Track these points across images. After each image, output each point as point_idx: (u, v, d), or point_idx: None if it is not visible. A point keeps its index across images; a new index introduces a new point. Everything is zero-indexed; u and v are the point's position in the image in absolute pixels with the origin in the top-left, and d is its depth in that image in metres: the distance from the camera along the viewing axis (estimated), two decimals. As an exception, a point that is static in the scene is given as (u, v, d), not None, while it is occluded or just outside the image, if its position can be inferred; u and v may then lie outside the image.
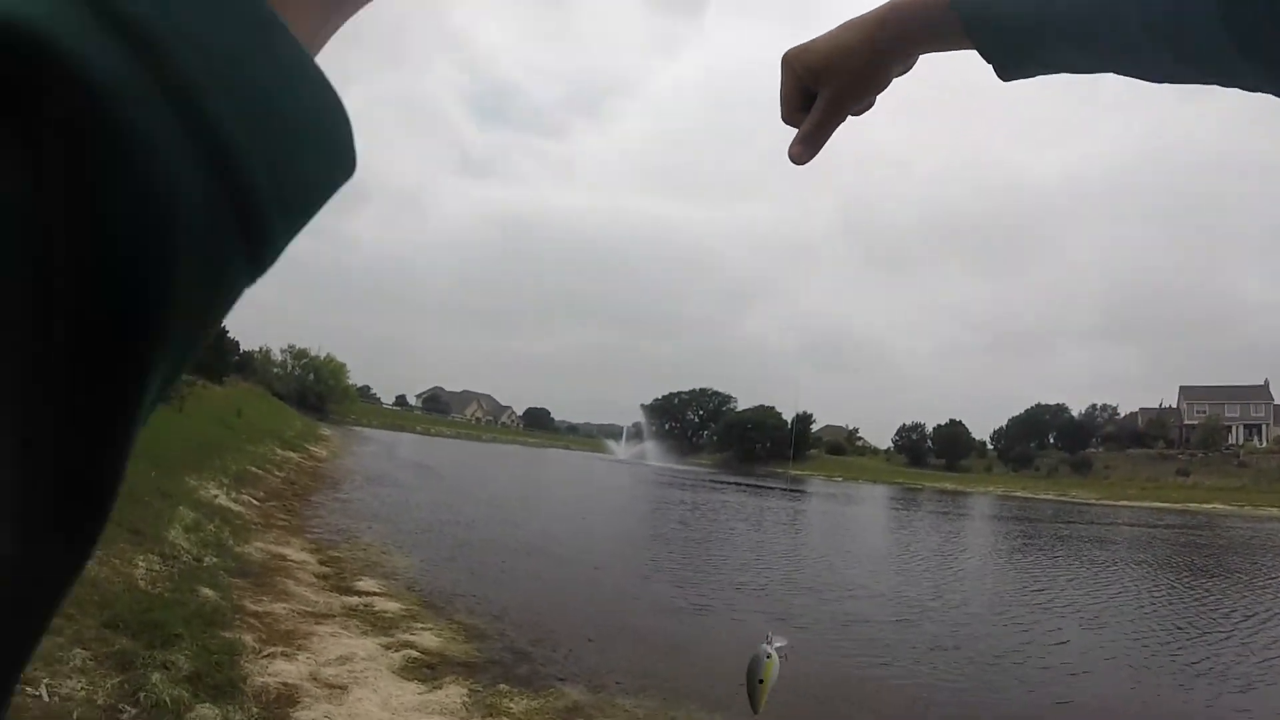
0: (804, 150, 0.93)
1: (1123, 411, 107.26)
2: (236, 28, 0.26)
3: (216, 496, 12.58)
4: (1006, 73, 0.87)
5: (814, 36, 0.93)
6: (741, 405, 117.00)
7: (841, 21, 0.92)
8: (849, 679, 8.60)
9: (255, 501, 14.19)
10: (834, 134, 0.95)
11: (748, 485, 51.68)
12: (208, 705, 5.07)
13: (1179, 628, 12.70)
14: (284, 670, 6.20)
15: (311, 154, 0.28)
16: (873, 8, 0.91)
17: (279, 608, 7.94)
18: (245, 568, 9.12)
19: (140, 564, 7.39)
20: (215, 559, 8.67)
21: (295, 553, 10.79)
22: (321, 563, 10.61)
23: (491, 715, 6.33)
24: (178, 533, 9.09)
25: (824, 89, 0.91)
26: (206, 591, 7.44)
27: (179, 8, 0.24)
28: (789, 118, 0.96)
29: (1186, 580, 18.90)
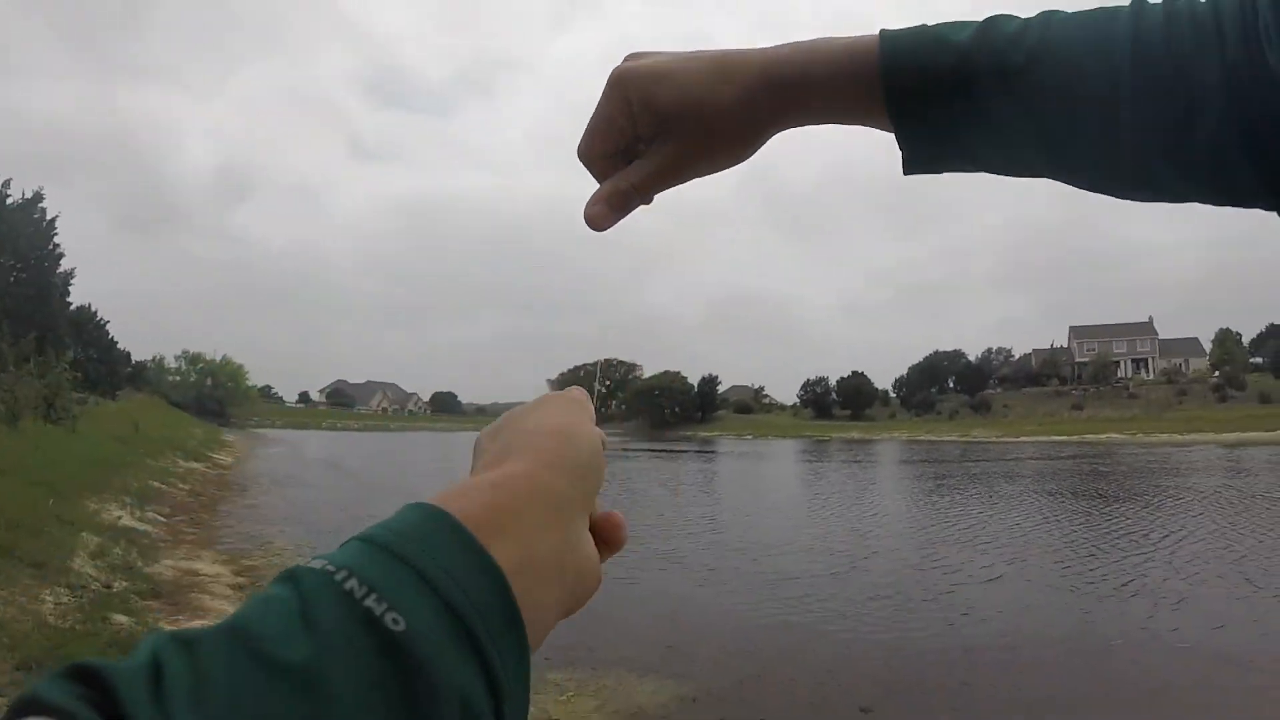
0: (606, 214, 0.69)
1: (1017, 354, 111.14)
2: (526, 699, 0.45)
3: (120, 517, 12.12)
4: (917, 166, 0.69)
5: (667, 57, 0.69)
6: (648, 372, 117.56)
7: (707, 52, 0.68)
8: (786, 638, 8.68)
9: (161, 518, 13.71)
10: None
11: (660, 450, 52.01)
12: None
13: (1099, 552, 13.16)
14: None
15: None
16: (762, 47, 0.68)
17: (197, 624, 7.66)
18: (157, 588, 8.81)
19: (47, 598, 7.08)
20: (125, 583, 8.35)
21: (208, 566, 10.48)
22: (236, 573, 10.32)
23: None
24: (83, 560, 8.74)
25: (667, 142, 0.68)
26: (120, 618, 7.16)
27: (518, 701, 0.43)
28: (596, 162, 0.72)
29: (1099, 506, 19.69)
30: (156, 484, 17.27)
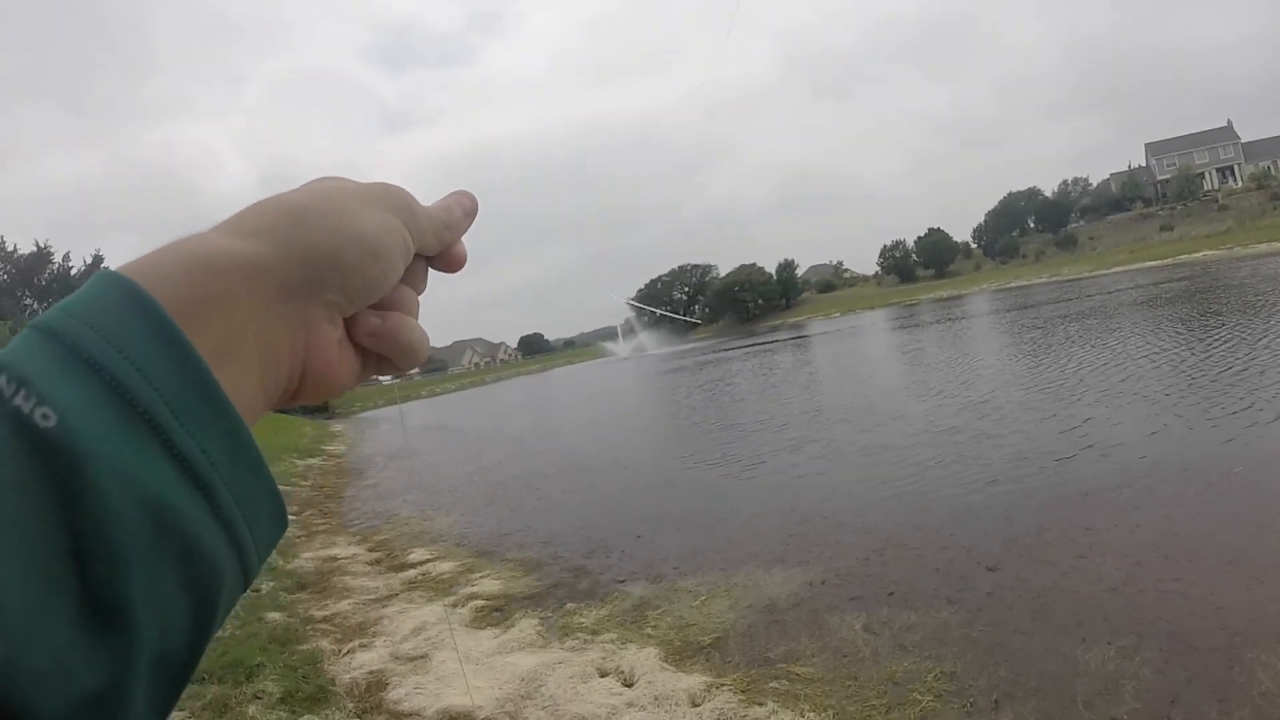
0: None
1: (1094, 181, 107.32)
2: (265, 487, 0.42)
3: (252, 522, 12.63)
4: None
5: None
6: (724, 269, 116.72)
7: None
8: (905, 508, 8.68)
9: (291, 516, 14.15)
10: None
11: (751, 345, 51.86)
12: (308, 717, 5.21)
13: (1225, 373, 12.43)
14: (367, 660, 6.37)
15: (273, 525, 0.43)
16: None
17: (344, 605, 8.09)
18: (302, 580, 9.27)
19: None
20: (271, 583, 8.80)
21: (344, 549, 10.93)
22: (371, 550, 10.78)
23: (567, 634, 6.50)
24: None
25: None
26: (273, 615, 7.58)
27: (245, 489, 0.40)
28: None
29: (1234, 323, 18.21)
30: (280, 486, 17.85)
